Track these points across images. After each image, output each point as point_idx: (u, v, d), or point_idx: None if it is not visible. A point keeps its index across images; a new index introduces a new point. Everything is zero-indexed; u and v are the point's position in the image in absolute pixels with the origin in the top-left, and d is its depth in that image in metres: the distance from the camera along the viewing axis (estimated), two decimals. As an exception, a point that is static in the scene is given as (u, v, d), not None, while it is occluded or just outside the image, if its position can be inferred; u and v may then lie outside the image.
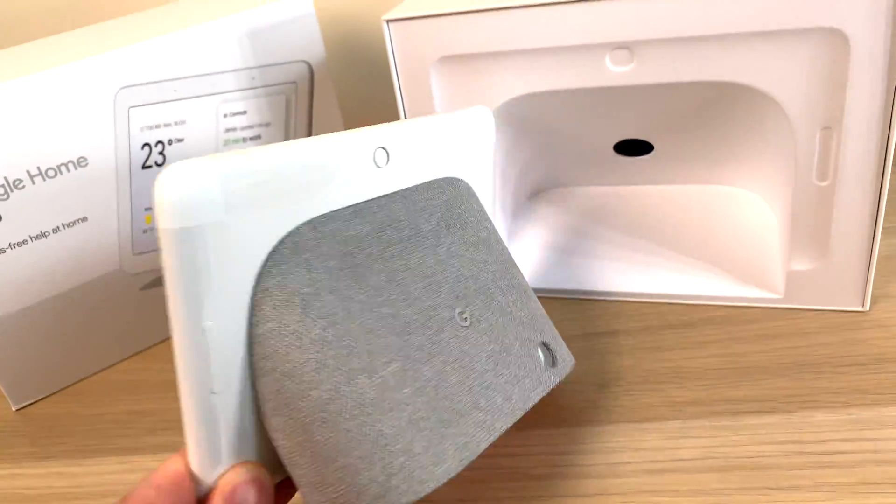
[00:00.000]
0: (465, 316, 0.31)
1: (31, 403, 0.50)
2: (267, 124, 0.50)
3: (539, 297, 0.50)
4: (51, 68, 0.42)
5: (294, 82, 0.51)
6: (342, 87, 0.70)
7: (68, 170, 0.44)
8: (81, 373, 0.51)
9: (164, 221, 0.23)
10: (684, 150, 0.49)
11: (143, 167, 0.47)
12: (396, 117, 0.57)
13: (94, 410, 0.48)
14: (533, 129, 0.48)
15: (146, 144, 0.47)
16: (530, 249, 0.52)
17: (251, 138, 0.50)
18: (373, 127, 0.31)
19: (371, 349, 0.27)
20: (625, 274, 0.48)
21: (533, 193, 0.58)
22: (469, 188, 0.36)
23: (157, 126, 0.47)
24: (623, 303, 0.48)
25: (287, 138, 0.51)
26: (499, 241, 0.36)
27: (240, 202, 0.25)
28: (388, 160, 0.30)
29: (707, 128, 0.46)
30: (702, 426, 0.37)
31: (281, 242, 0.27)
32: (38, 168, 0.43)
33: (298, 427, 0.26)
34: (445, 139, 0.34)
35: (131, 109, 0.45)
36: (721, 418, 0.38)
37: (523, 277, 0.36)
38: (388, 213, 0.31)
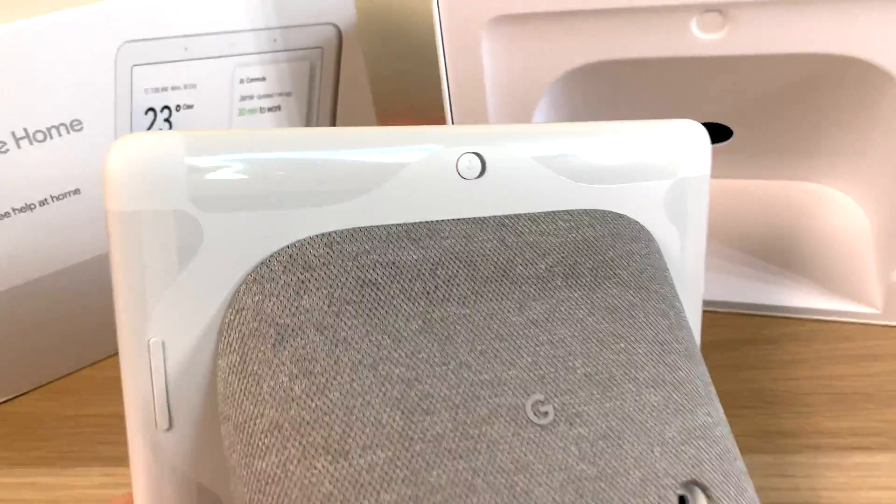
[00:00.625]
0: (544, 409, 0.21)
1: (6, 401, 0.45)
2: (287, 93, 0.46)
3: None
4: (44, 15, 0.38)
5: (320, 47, 0.46)
6: (372, 56, 0.64)
7: (60, 134, 0.40)
8: (65, 368, 0.47)
9: (110, 201, 0.20)
10: (769, 138, 0.44)
11: None
12: (435, 93, 0.51)
13: (78, 411, 0.43)
14: (595, 106, 0.43)
15: (150, 109, 0.42)
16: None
17: (269, 109, 0.46)
18: (463, 126, 0.24)
19: (350, 422, 0.20)
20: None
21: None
22: (642, 233, 0.27)
23: (164, 89, 0.42)
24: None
25: (310, 110, 0.48)
26: (661, 308, 0.26)
27: (217, 194, 0.21)
28: (481, 171, 0.24)
29: (800, 113, 0.41)
30: (799, 463, 0.31)
31: (276, 254, 0.21)
32: (25, 130, 0.39)
33: (241, 501, 0.20)
34: (605, 157, 0.26)
35: (135, 68, 0.41)
36: (821, 454, 0.32)
37: (699, 370, 0.25)
38: (465, 242, 0.23)
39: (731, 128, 0.45)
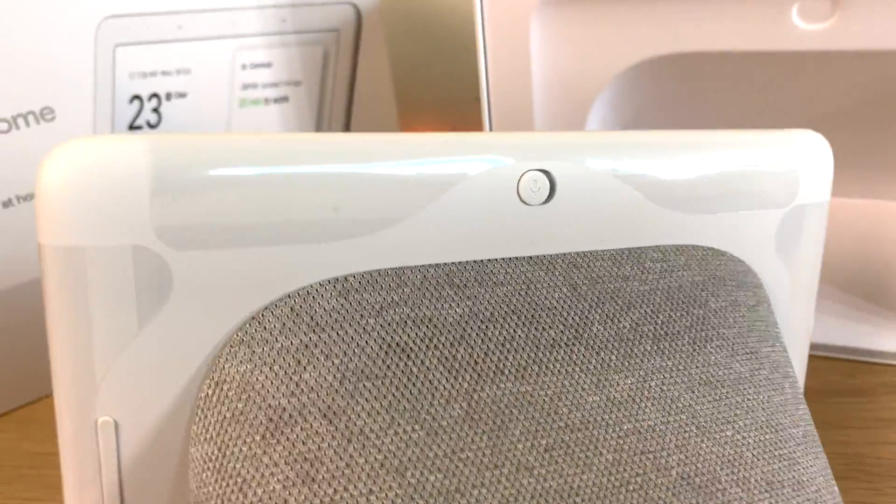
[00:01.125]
0: None
1: (-41, 433, 0.41)
2: (297, 83, 0.43)
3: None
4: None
5: (336, 30, 0.44)
6: (396, 41, 0.61)
7: (27, 123, 0.37)
8: (33, 393, 0.43)
9: (45, 231, 0.17)
10: (869, 150, 0.41)
11: (131, 127, 0.40)
12: (469, 87, 0.47)
13: (46, 447, 0.38)
14: (665, 107, 0.39)
15: (136, 97, 0.39)
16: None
17: (275, 100, 0.43)
18: (525, 134, 0.21)
19: None
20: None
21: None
22: (749, 276, 0.23)
23: (153, 74, 0.39)
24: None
25: (322, 103, 0.45)
26: (788, 385, 0.22)
27: (193, 225, 0.17)
28: (549, 195, 0.20)
29: None
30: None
31: (271, 306, 0.18)
32: (-12, 118, 0.36)
33: None
34: (708, 178, 0.22)
35: (118, 48, 0.38)
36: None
37: (819, 462, 0.22)
38: (526, 291, 0.20)
39: (825, 137, 0.40)
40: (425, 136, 0.19)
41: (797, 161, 0.23)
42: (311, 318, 0.18)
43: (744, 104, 0.38)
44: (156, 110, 0.40)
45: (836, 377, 0.36)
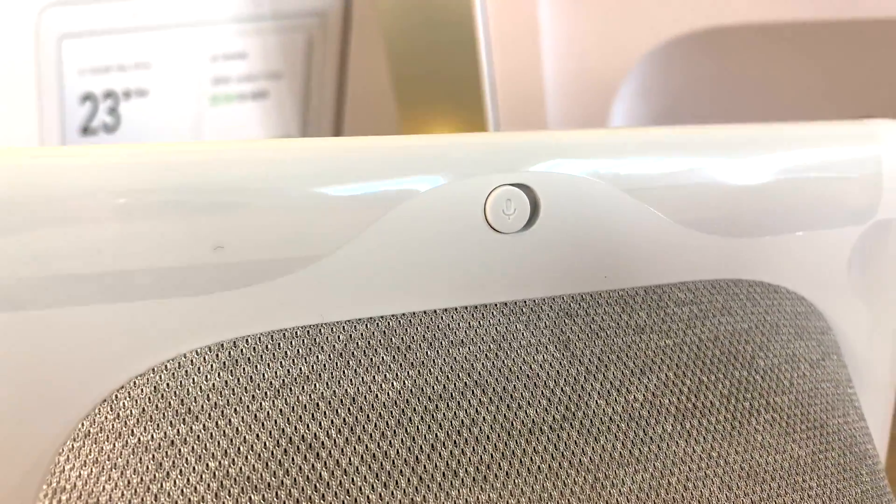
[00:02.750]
0: None
1: None
2: (277, 76, 0.41)
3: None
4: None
5: (321, 14, 0.41)
6: (393, 26, 0.58)
7: None
8: None
9: None
10: None
11: (84, 131, 0.37)
12: (471, 77, 0.44)
13: None
14: (701, 94, 0.36)
15: (89, 96, 0.37)
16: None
17: (253, 95, 0.41)
18: (497, 135, 0.17)
19: None
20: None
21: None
22: (811, 319, 0.19)
23: (107, 69, 0.37)
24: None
25: (307, 98, 0.42)
26: (866, 472, 0.19)
27: (14, 276, 0.13)
28: (529, 218, 0.16)
29: None
30: None
31: (127, 387, 0.14)
32: (-89, 125, 0.34)
33: None
34: (753, 188, 0.18)
35: (65, 41, 0.35)
36: None
37: None
38: (496, 353, 0.16)
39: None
40: (350, 140, 0.15)
41: (879, 161, 0.19)
42: (182, 401, 0.14)
43: (803, 88, 0.35)
44: (113, 111, 0.37)
45: None
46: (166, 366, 0.14)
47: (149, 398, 0.14)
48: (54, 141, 0.37)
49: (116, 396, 0.14)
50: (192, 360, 0.14)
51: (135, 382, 0.14)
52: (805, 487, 0.17)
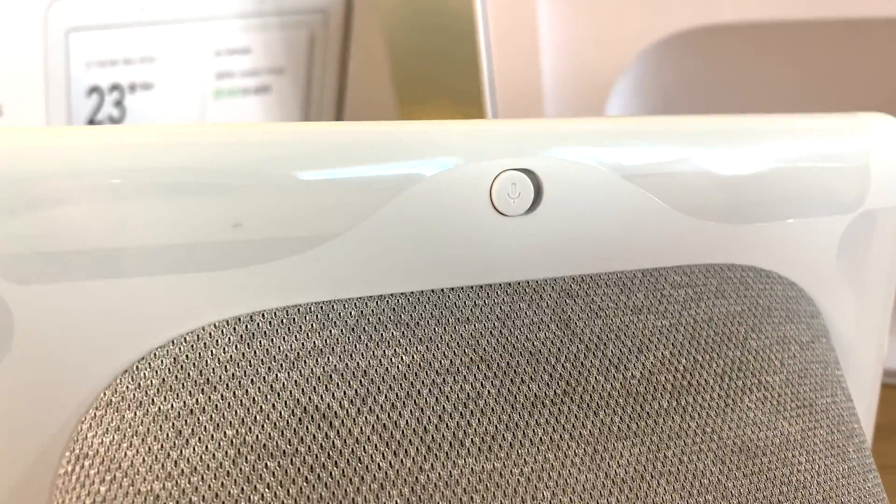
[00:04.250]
0: None
1: None
2: (280, 71, 0.41)
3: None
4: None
5: (323, 11, 0.42)
6: (394, 23, 0.58)
7: None
8: None
9: None
10: None
11: (90, 123, 0.37)
12: (470, 73, 0.44)
13: None
14: (697, 92, 0.36)
15: (95, 89, 0.37)
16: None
17: (256, 90, 0.41)
18: (502, 122, 0.17)
19: None
20: None
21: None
22: (801, 304, 0.20)
23: (113, 63, 0.37)
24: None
25: (309, 93, 0.43)
26: (852, 450, 0.19)
27: (39, 252, 0.14)
28: (533, 202, 0.17)
29: None
30: None
31: (148, 358, 0.14)
32: (-84, 117, 0.34)
33: None
34: (747, 177, 0.19)
35: (72, 34, 0.36)
36: None
37: None
38: (500, 330, 0.16)
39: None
40: (362, 125, 0.16)
41: (867, 153, 0.20)
42: (201, 372, 0.14)
43: (795, 86, 0.35)
44: (118, 104, 0.38)
45: None
46: (185, 338, 0.14)
47: (168, 369, 0.14)
48: None
49: (137, 367, 0.14)
50: (210, 333, 0.14)
51: (155, 354, 0.14)
52: (794, 463, 0.17)
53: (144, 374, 0.14)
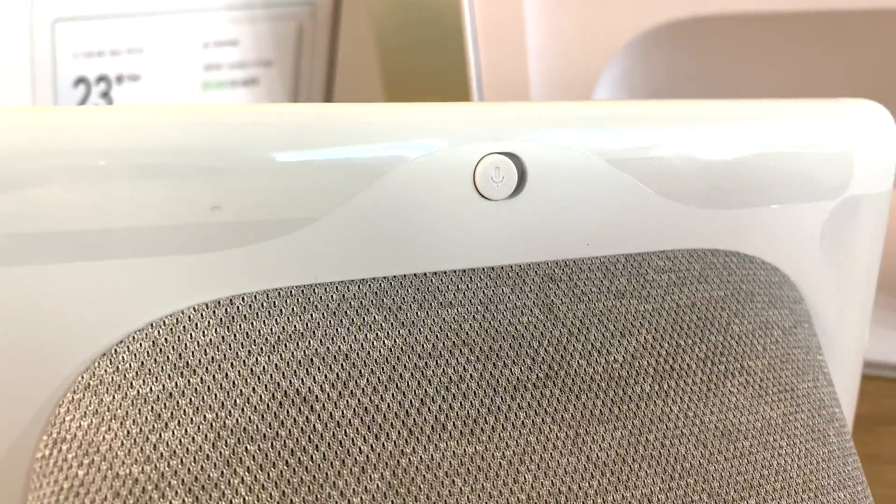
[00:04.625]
0: None
1: None
2: (267, 63, 0.41)
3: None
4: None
5: (311, 3, 0.42)
6: (383, 15, 0.59)
7: None
8: None
9: None
10: None
11: None
12: (458, 66, 0.44)
13: None
14: (683, 85, 0.36)
15: (82, 80, 0.37)
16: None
17: (244, 82, 0.41)
18: (487, 105, 0.17)
19: None
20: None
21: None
22: (784, 289, 0.20)
23: (100, 53, 0.37)
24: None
25: (297, 85, 0.43)
26: (833, 433, 0.19)
27: (10, 232, 0.13)
28: (517, 186, 0.17)
29: None
30: None
31: (126, 342, 0.14)
32: None
33: None
34: (731, 161, 0.19)
35: (58, 24, 0.35)
36: None
37: None
38: (483, 314, 0.16)
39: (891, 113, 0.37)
40: (344, 106, 0.15)
41: (851, 139, 0.19)
42: (180, 356, 0.14)
43: (783, 79, 0.35)
44: (105, 95, 0.37)
45: (891, 402, 0.33)
46: (164, 321, 0.14)
47: (147, 352, 0.14)
48: None
49: (115, 350, 0.14)
50: (189, 316, 0.14)
51: (133, 337, 0.14)
52: (776, 446, 0.17)
53: (123, 357, 0.14)
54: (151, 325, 0.14)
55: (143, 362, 0.14)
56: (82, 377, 0.14)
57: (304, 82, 0.43)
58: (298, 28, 0.42)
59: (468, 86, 0.34)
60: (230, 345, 0.14)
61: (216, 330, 0.14)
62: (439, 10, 0.56)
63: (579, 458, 0.15)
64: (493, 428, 0.15)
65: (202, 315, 0.14)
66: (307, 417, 0.14)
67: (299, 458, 0.14)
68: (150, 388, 0.14)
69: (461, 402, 0.15)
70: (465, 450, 0.15)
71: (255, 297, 0.14)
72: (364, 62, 0.45)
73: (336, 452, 0.14)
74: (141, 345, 0.14)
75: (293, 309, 0.15)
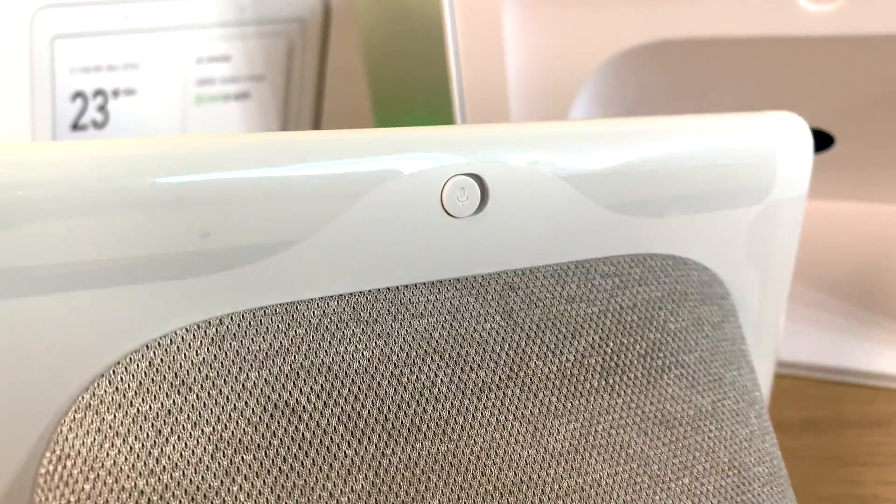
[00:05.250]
0: None
1: None
2: (259, 78, 0.41)
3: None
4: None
5: (301, 20, 0.41)
6: (370, 32, 0.57)
7: None
8: None
9: None
10: (882, 150, 0.37)
11: (75, 127, 0.37)
12: (441, 81, 0.44)
13: None
14: (653, 102, 0.36)
15: (79, 94, 0.37)
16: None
17: (236, 96, 0.41)
18: (449, 129, 0.18)
19: None
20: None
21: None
22: (714, 287, 0.21)
23: (97, 69, 0.37)
24: (779, 378, 0.35)
25: (288, 99, 0.43)
26: (754, 415, 0.20)
27: (9, 266, 0.14)
28: (480, 204, 0.17)
29: None
30: None
31: (123, 362, 0.15)
32: None
33: None
34: (668, 174, 0.20)
35: (57, 41, 0.35)
36: None
37: (785, 501, 0.20)
38: (450, 323, 0.17)
39: (833, 135, 0.38)
40: (319, 134, 0.16)
41: (773, 148, 0.21)
42: (175, 374, 0.15)
43: (746, 98, 0.35)
44: (102, 108, 0.38)
45: (853, 405, 0.34)
46: (159, 342, 0.15)
47: (144, 372, 0.15)
48: (46, 136, 0.37)
49: (114, 371, 0.15)
50: (182, 337, 0.15)
51: (130, 358, 0.15)
52: (706, 430, 0.19)
53: (121, 377, 0.15)
54: (147, 346, 0.15)
55: (140, 382, 0.15)
56: (83, 397, 0.15)
57: (294, 96, 0.43)
58: (289, 44, 0.42)
59: (451, 102, 0.34)
60: (222, 362, 0.15)
61: (208, 349, 0.15)
62: (425, 27, 0.56)
63: (538, 450, 0.17)
64: (462, 427, 0.16)
65: (194, 335, 0.15)
66: (296, 427, 0.15)
67: (291, 465, 0.15)
68: (150, 406, 0.15)
69: (434, 406, 0.16)
70: (438, 448, 0.16)
71: (243, 315, 0.15)
72: (352, 76, 0.44)
73: (324, 458, 0.15)
74: (138, 365, 0.15)
75: (279, 326, 0.16)
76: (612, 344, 0.19)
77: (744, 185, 0.21)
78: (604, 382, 0.18)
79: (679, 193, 0.20)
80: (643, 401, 0.18)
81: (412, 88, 0.53)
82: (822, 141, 0.38)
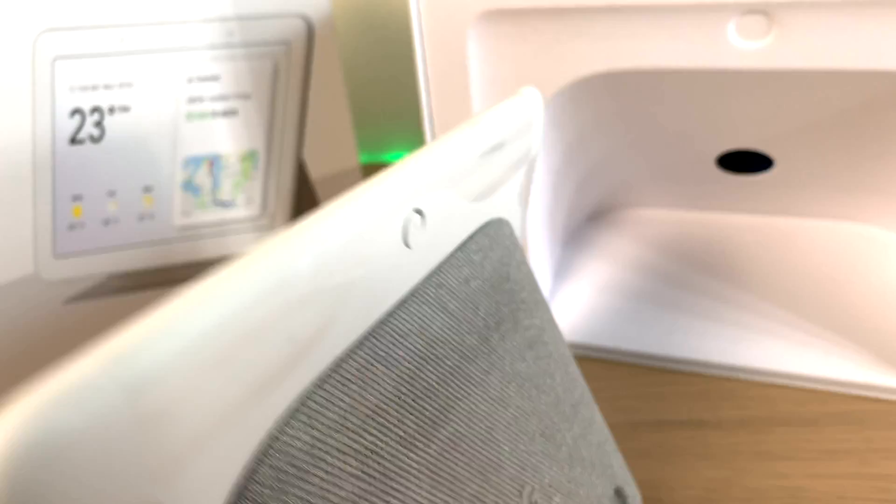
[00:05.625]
0: (534, 499, 0.20)
1: None
2: (246, 96, 0.42)
3: (590, 360, 0.39)
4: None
5: (286, 43, 0.42)
6: (351, 55, 0.58)
7: None
8: None
9: None
10: (816, 170, 0.39)
11: (73, 142, 0.38)
12: (412, 101, 0.45)
13: None
14: (605, 126, 0.38)
15: (77, 111, 0.38)
16: (583, 292, 0.43)
17: (224, 113, 0.42)
18: (386, 174, 0.18)
19: None
20: (716, 338, 0.37)
21: (595, 215, 0.49)
22: (511, 231, 0.24)
23: (94, 87, 0.38)
24: (712, 379, 0.37)
25: (273, 114, 0.43)
26: (549, 316, 0.24)
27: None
28: (423, 227, 0.19)
29: (854, 142, 0.36)
30: None
31: (256, 467, 0.14)
32: (-89, 136, 0.35)
33: None
34: (487, 152, 0.22)
35: (58, 62, 0.37)
36: None
37: (577, 369, 0.25)
38: (421, 333, 0.19)
39: (772, 157, 0.40)
40: (331, 213, 0.16)
41: (531, 118, 0.23)
42: (293, 465, 0.15)
43: (685, 122, 0.37)
44: (98, 124, 0.39)
45: (787, 406, 0.35)
46: (270, 446, 0.14)
47: (272, 481, 0.14)
48: (46, 149, 0.38)
49: (251, 477, 0.14)
50: (290, 434, 0.15)
51: (261, 463, 0.14)
52: (548, 341, 0.23)
53: (257, 477, 0.14)
54: (264, 454, 0.14)
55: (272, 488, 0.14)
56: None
57: (278, 113, 0.43)
58: (274, 65, 0.42)
59: (420, 116, 0.35)
60: (322, 439, 0.15)
61: (307, 432, 0.15)
62: (398, 52, 0.57)
63: (489, 404, 0.19)
64: (455, 408, 0.18)
65: (300, 427, 0.15)
66: (379, 468, 0.16)
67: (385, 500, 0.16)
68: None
69: (433, 402, 0.18)
70: (449, 431, 0.18)
71: (321, 388, 0.15)
72: (333, 96, 0.45)
73: (402, 471, 0.17)
74: (263, 478, 0.14)
75: (335, 388, 0.16)
76: (492, 305, 0.21)
77: (523, 151, 0.23)
78: (498, 334, 0.21)
79: (494, 178, 0.22)
80: (517, 337, 0.21)
81: (388, 109, 0.54)
82: (762, 162, 0.39)
